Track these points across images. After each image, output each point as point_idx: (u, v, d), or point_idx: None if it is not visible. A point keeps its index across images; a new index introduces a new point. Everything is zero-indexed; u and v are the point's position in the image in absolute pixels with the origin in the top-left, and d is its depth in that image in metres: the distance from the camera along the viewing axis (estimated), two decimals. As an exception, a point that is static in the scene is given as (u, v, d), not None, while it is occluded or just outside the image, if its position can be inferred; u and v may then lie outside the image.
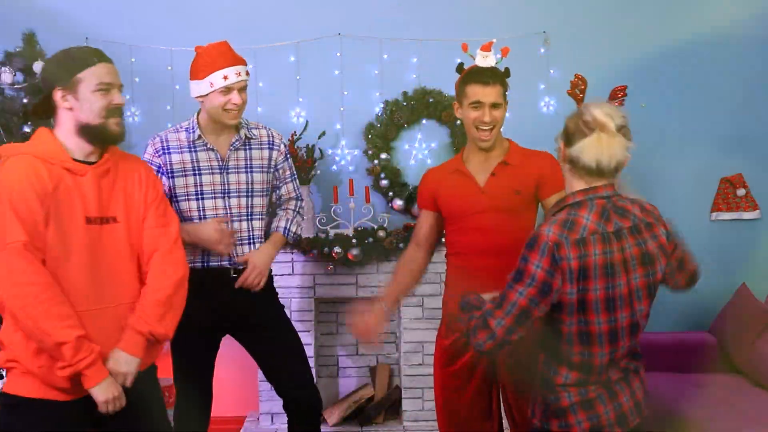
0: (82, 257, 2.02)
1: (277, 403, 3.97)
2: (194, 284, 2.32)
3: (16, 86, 3.68)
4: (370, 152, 4.15)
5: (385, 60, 4.16)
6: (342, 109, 4.16)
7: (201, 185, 2.67)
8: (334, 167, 4.21)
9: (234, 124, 2.68)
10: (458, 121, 4.13)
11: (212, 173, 2.68)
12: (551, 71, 4.18)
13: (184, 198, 2.67)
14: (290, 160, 2.92)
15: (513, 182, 2.51)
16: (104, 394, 1.97)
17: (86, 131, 2.07)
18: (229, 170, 2.70)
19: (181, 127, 2.73)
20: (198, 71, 2.63)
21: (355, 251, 3.83)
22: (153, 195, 2.22)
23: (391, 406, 4.08)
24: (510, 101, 4.15)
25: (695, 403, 3.25)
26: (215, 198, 2.68)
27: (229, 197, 2.70)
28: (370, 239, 3.86)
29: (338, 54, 4.14)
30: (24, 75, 3.71)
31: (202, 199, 2.67)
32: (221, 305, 2.68)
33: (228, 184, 2.70)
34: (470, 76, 2.53)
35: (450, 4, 4.19)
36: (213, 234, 2.61)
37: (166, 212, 2.25)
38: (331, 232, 3.92)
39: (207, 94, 2.62)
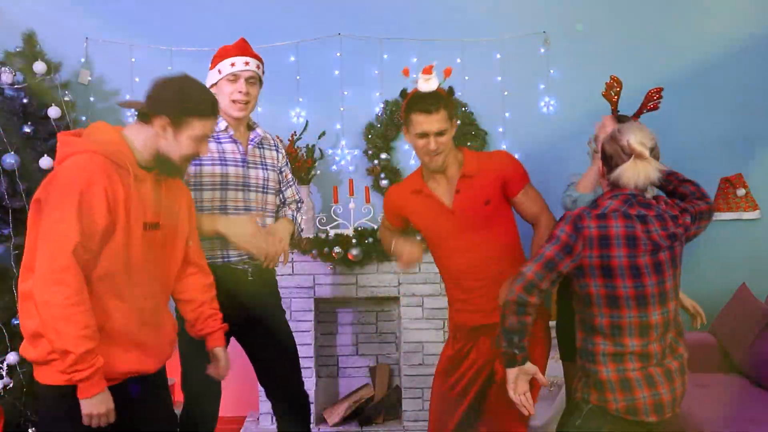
0: (138, 261, 2.06)
1: (277, 403, 3.97)
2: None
3: (16, 86, 3.68)
4: (370, 152, 4.15)
5: (385, 60, 4.16)
6: (342, 109, 4.16)
7: (227, 175, 2.65)
8: (334, 167, 4.21)
9: (240, 116, 2.66)
10: (458, 122, 4.13)
11: (236, 165, 2.67)
12: (551, 71, 4.18)
13: (210, 187, 2.63)
14: (289, 165, 2.95)
15: (479, 193, 2.50)
16: (90, 408, 1.97)
17: (161, 161, 2.09)
18: (249, 165, 2.70)
19: None
20: (212, 62, 2.67)
21: (355, 251, 3.83)
22: (193, 211, 2.34)
23: (391, 406, 4.08)
24: (510, 101, 4.21)
25: (695, 403, 3.25)
26: (237, 190, 2.66)
27: (248, 191, 2.69)
28: (370, 239, 3.86)
29: (338, 54, 4.14)
30: (24, 75, 3.71)
31: (226, 189, 2.65)
32: (236, 305, 2.62)
33: (249, 177, 2.69)
34: (413, 103, 2.49)
35: (450, 4, 4.18)
36: (251, 228, 2.59)
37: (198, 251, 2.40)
38: (331, 232, 3.91)
39: (216, 83, 2.64)
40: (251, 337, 2.77)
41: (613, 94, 3.01)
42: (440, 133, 2.45)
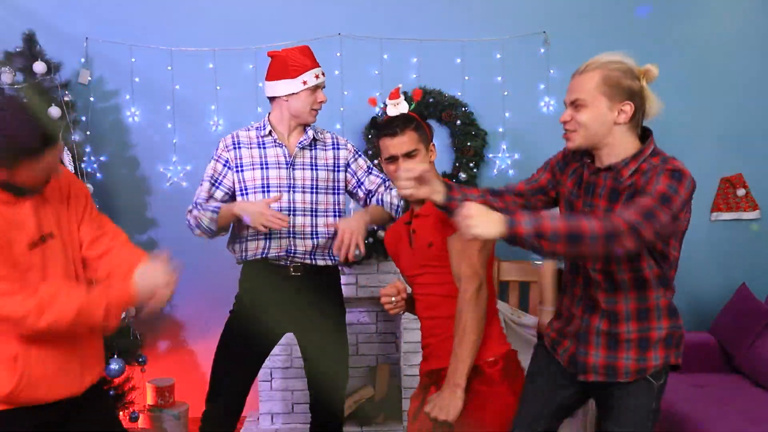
0: (40, 278, 1.95)
1: (277, 403, 3.97)
2: (253, 278, 2.62)
3: (16, 86, 3.68)
4: (370, 152, 4.14)
5: (385, 60, 4.16)
6: (342, 109, 4.16)
7: (267, 179, 2.73)
8: (334, 167, 4.21)
9: (314, 122, 2.79)
10: (458, 121, 4.14)
11: (279, 168, 2.74)
12: (551, 71, 4.18)
13: (252, 191, 2.72)
14: (363, 156, 2.95)
15: (427, 234, 2.29)
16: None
17: (11, 189, 1.91)
18: (296, 166, 2.76)
19: (252, 127, 2.82)
20: (288, 71, 2.70)
21: (355, 251, 3.82)
22: (82, 204, 2.14)
23: (391, 406, 4.08)
24: (510, 101, 4.21)
25: (695, 403, 3.25)
26: (280, 191, 2.73)
27: (294, 191, 2.74)
28: (370, 239, 3.86)
29: (338, 54, 4.14)
30: (24, 75, 3.71)
31: (268, 192, 2.72)
32: (278, 301, 2.66)
33: (294, 179, 2.75)
34: (380, 129, 2.32)
35: (450, 4, 4.19)
36: (260, 207, 2.56)
37: (100, 218, 2.19)
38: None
39: (298, 93, 2.71)
40: (302, 336, 2.82)
41: None
42: (409, 155, 2.24)
